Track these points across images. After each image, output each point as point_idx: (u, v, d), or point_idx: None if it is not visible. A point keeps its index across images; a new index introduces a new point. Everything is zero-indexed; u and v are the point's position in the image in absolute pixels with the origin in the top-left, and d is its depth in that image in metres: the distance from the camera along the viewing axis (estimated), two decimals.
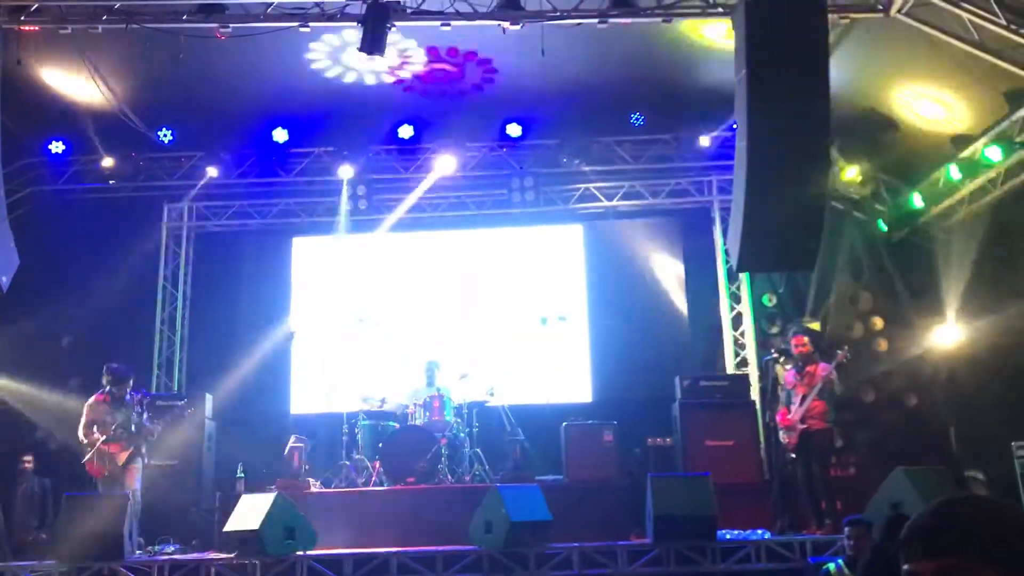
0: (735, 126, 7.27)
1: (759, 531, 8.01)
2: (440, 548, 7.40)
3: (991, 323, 9.18)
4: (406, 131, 11.25)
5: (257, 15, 7.83)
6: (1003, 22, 7.29)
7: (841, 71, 7.93)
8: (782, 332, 10.88)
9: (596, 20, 7.80)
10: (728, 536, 7.71)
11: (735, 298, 11.26)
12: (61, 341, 10.84)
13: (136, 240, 11.04)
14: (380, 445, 9.07)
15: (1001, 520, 1.42)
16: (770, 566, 7.28)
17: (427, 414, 9.34)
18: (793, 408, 8.13)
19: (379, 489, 8.70)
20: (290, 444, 9.53)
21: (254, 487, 8.59)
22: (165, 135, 11.09)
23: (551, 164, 11.20)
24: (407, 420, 9.50)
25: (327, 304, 11.44)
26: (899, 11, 7.73)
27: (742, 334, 11.14)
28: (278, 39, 8.01)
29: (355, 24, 7.56)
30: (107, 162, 10.90)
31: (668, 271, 11.55)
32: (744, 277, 11.13)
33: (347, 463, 9.16)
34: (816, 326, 10.66)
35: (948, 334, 10.01)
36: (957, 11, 7.52)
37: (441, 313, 11.30)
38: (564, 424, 9.38)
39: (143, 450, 8.21)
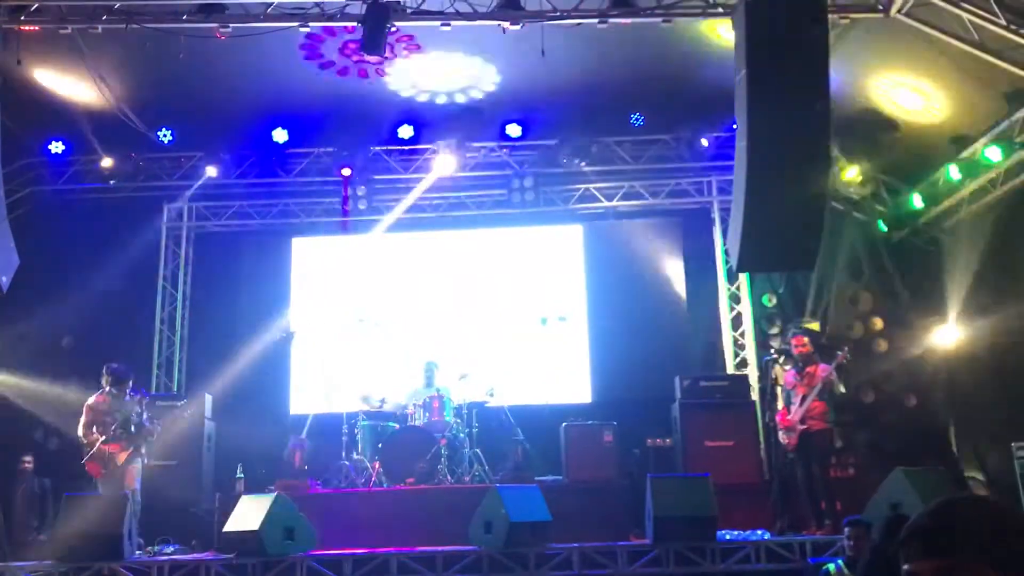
0: (735, 126, 7.26)
1: (759, 532, 8.02)
2: (440, 548, 7.40)
3: (991, 323, 9.18)
4: (406, 131, 11.26)
5: (257, 15, 7.83)
6: (1003, 22, 7.29)
7: (841, 71, 7.94)
8: (782, 332, 10.88)
9: (596, 20, 7.79)
10: (728, 537, 7.71)
11: (735, 298, 11.26)
12: (61, 341, 10.84)
13: (136, 240, 11.04)
14: (380, 445, 9.07)
15: (1000, 520, 1.42)
16: (770, 567, 7.28)
17: (427, 414, 9.34)
18: (793, 408, 8.13)
19: (379, 489, 8.70)
20: (290, 444, 9.54)
21: (254, 487, 8.60)
22: (165, 135, 11.09)
23: (551, 164, 11.19)
24: (407, 420, 9.50)
25: (326, 304, 11.44)
26: (899, 11, 7.73)
27: (742, 334, 11.14)
28: (278, 39, 8.01)
29: (355, 24, 7.57)
30: (107, 162, 10.90)
31: (668, 271, 11.54)
32: (744, 277, 11.13)
33: (347, 463, 9.16)
34: (816, 326, 10.66)
35: (948, 334, 10.01)
36: (957, 11, 7.51)
37: (441, 313, 11.30)
38: (564, 424, 9.38)
39: (143, 450, 8.21)
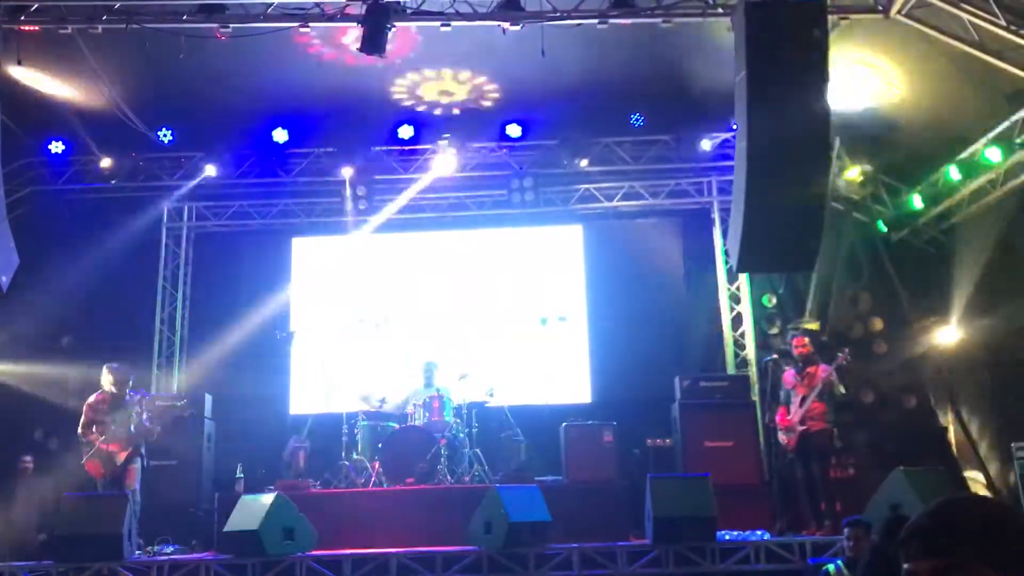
0: (735, 126, 7.27)
1: (758, 532, 8.02)
2: (440, 548, 7.40)
3: (991, 323, 9.19)
4: (406, 131, 11.25)
5: (257, 15, 7.83)
6: (1003, 23, 7.29)
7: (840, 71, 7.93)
8: (782, 333, 10.89)
9: (596, 20, 7.79)
10: (727, 537, 7.71)
11: (735, 299, 11.26)
12: (61, 341, 10.84)
13: (136, 240, 11.04)
14: (380, 446, 9.07)
15: (1000, 520, 1.42)
16: (769, 567, 7.28)
17: (427, 414, 9.34)
18: (793, 409, 8.13)
19: (379, 490, 8.70)
20: (291, 445, 9.54)
21: (254, 487, 8.60)
22: (165, 135, 11.08)
23: (551, 164, 11.19)
24: (407, 421, 9.49)
25: (326, 304, 11.44)
26: (899, 12, 7.73)
27: (742, 335, 11.14)
28: (278, 39, 8.01)
29: (355, 24, 7.57)
30: (107, 162, 10.89)
31: (668, 271, 11.55)
32: (744, 277, 11.13)
33: (347, 463, 9.16)
34: (816, 327, 10.65)
35: (948, 334, 10.02)
36: (957, 12, 7.52)
37: (441, 313, 11.30)
38: (564, 425, 9.38)
39: (143, 450, 8.21)
